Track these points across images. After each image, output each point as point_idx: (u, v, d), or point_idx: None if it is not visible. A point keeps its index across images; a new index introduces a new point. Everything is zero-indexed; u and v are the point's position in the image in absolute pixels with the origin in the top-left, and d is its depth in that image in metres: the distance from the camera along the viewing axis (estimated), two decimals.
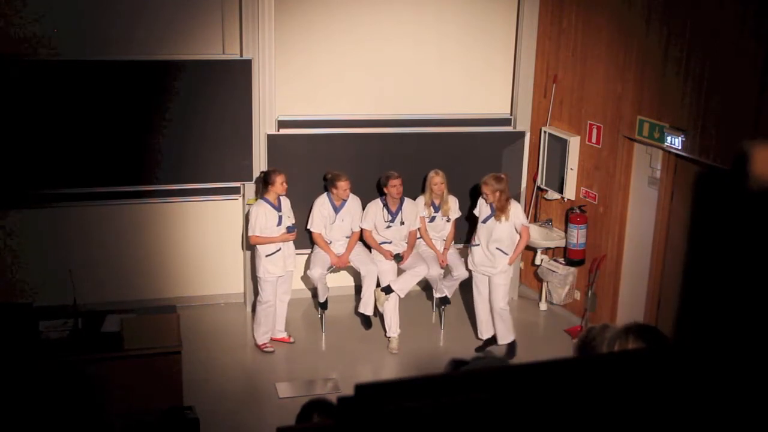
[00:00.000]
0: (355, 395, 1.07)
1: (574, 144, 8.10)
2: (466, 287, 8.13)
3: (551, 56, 8.43)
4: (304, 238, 7.99)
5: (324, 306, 7.98)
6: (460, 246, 8.42)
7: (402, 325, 7.81)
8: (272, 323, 7.71)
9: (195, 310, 8.28)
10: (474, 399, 1.07)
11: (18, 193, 7.61)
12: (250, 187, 8.10)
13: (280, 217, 7.51)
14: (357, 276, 8.41)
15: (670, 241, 7.18)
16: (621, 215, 7.71)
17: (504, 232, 7.40)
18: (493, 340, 7.74)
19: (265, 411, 6.74)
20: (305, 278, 8.34)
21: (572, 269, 8.22)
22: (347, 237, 7.92)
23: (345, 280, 8.78)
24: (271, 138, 8.06)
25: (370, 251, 7.96)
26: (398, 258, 7.86)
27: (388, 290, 7.76)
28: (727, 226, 1.13)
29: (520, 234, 7.46)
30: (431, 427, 1.05)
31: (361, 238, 7.96)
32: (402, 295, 7.83)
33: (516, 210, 7.43)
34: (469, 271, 7.81)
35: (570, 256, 8.18)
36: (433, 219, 7.97)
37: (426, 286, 8.51)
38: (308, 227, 7.90)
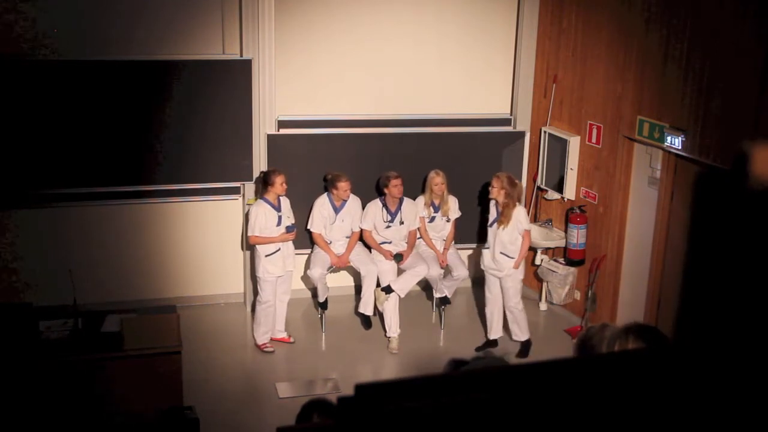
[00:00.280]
0: (355, 395, 1.07)
1: (574, 144, 8.10)
2: (479, 287, 8.14)
3: (551, 56, 8.43)
4: (304, 238, 7.99)
5: (324, 306, 7.98)
6: (460, 246, 8.42)
7: (402, 325, 7.81)
8: (272, 323, 7.71)
9: (195, 310, 8.28)
10: (474, 399, 1.07)
11: (18, 193, 7.61)
12: (250, 187, 8.10)
13: (280, 218, 7.51)
14: (357, 276, 8.41)
15: (670, 241, 7.18)
16: (621, 215, 7.71)
17: (507, 237, 7.40)
18: (495, 342, 7.74)
19: (265, 411, 6.74)
20: (305, 278, 8.34)
21: (572, 269, 8.22)
22: (347, 237, 7.93)
23: (345, 280, 8.78)
24: (271, 138, 8.06)
25: (370, 251, 7.96)
26: (398, 258, 7.87)
27: (388, 290, 7.76)
28: (727, 226, 1.13)
29: (522, 238, 7.46)
30: (431, 427, 1.05)
31: (361, 239, 7.96)
32: (402, 295, 7.83)
33: (519, 215, 7.42)
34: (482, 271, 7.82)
35: (570, 256, 8.18)
36: (432, 219, 7.97)
37: (426, 286, 8.51)
38: (308, 227, 7.90)
